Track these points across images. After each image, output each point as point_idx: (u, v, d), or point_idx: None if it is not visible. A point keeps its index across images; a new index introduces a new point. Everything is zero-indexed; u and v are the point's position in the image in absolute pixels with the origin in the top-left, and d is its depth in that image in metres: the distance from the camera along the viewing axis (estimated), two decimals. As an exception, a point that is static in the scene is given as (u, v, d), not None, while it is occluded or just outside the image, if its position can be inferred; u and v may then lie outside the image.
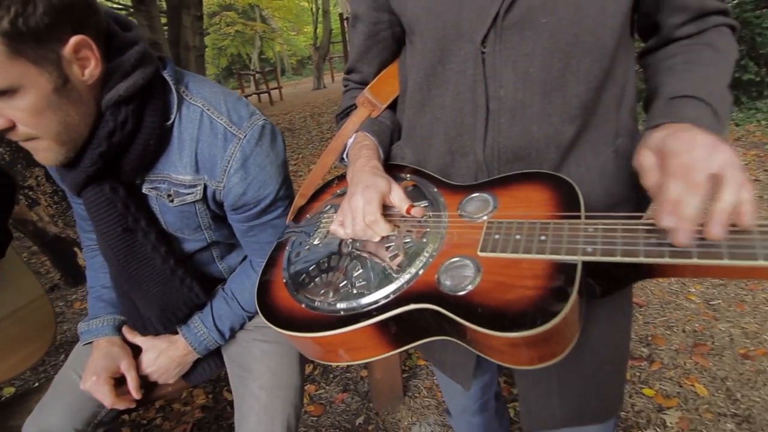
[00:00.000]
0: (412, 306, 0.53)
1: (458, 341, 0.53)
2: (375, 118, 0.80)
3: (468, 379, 0.79)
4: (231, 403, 1.76)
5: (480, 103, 0.61)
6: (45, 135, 0.66)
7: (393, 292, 0.56)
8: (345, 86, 0.88)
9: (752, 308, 1.95)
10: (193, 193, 0.81)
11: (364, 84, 0.83)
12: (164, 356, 0.94)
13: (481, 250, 0.54)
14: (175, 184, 0.81)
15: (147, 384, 0.95)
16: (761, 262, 0.39)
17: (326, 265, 0.66)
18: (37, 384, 2.05)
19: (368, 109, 0.80)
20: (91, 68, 0.66)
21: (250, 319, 1.00)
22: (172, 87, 0.77)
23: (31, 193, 2.60)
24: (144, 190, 0.82)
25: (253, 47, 26.74)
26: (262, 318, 0.65)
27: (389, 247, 0.62)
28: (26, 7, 0.56)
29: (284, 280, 0.68)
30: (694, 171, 0.42)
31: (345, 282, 0.61)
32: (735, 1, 4.34)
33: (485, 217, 0.59)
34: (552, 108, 0.60)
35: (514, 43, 0.57)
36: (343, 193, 0.72)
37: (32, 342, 1.39)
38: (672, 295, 2.11)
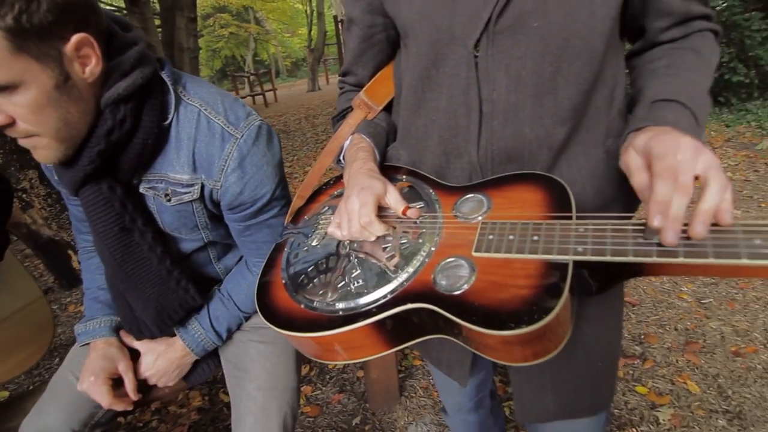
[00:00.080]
0: (409, 305, 0.54)
1: (454, 339, 0.54)
2: (371, 120, 0.81)
3: (464, 377, 0.80)
4: (227, 405, 1.75)
5: (473, 105, 0.63)
6: (45, 132, 0.67)
7: (390, 292, 0.57)
8: (341, 88, 0.89)
9: (743, 306, 1.98)
10: (190, 192, 0.82)
11: (359, 86, 0.84)
12: (162, 359, 0.94)
13: (476, 251, 0.55)
14: (172, 184, 0.81)
15: (144, 385, 0.95)
16: (744, 261, 0.40)
17: (324, 265, 0.67)
18: (31, 387, 2.03)
19: (364, 111, 0.81)
20: (91, 66, 0.67)
21: (247, 319, 1.00)
22: (170, 87, 0.78)
23: (24, 195, 2.59)
24: (141, 190, 0.82)
25: (247, 49, 26.69)
26: (261, 318, 0.65)
27: (386, 247, 0.63)
28: (30, 4, 0.57)
29: (283, 281, 0.69)
30: (680, 173, 0.44)
31: (343, 282, 0.62)
32: (724, 4, 4.40)
33: (480, 218, 0.60)
34: (544, 110, 0.61)
35: (507, 47, 0.59)
36: (340, 195, 0.73)
37: (30, 344, 1.38)
38: (664, 294, 2.14)
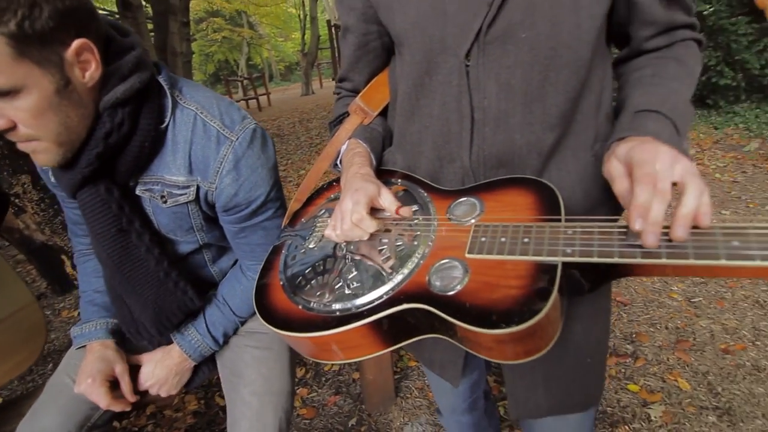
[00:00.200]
0: (405, 306, 0.55)
1: (448, 339, 0.56)
2: (367, 125, 0.82)
3: (457, 377, 0.81)
4: (223, 409, 1.75)
5: (465, 112, 0.65)
6: (45, 136, 0.68)
7: (386, 293, 0.59)
8: (337, 94, 0.90)
9: (731, 305, 2.01)
10: (186, 194, 0.83)
11: (355, 92, 0.85)
12: (160, 366, 0.95)
13: (469, 252, 0.57)
14: (168, 186, 0.82)
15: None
16: (723, 262, 0.42)
17: (321, 267, 0.68)
18: (24, 393, 2.02)
19: (360, 116, 0.82)
20: (91, 71, 0.68)
21: (243, 323, 1.01)
22: (167, 91, 0.79)
23: (17, 200, 2.57)
24: (138, 192, 0.83)
25: (240, 53, 26.68)
26: (256, 323, 0.66)
27: (382, 249, 0.64)
28: (33, 11, 0.58)
29: (281, 283, 0.70)
30: (659, 179, 0.47)
31: (340, 284, 0.63)
32: (711, 9, 4.48)
33: (473, 221, 0.61)
34: (533, 117, 0.63)
35: (496, 56, 0.61)
36: (337, 198, 0.75)
37: (23, 349, 1.38)
38: (655, 293, 2.17)
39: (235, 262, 1.04)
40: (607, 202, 0.68)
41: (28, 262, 2.87)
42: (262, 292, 0.71)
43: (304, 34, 17.81)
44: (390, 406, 1.69)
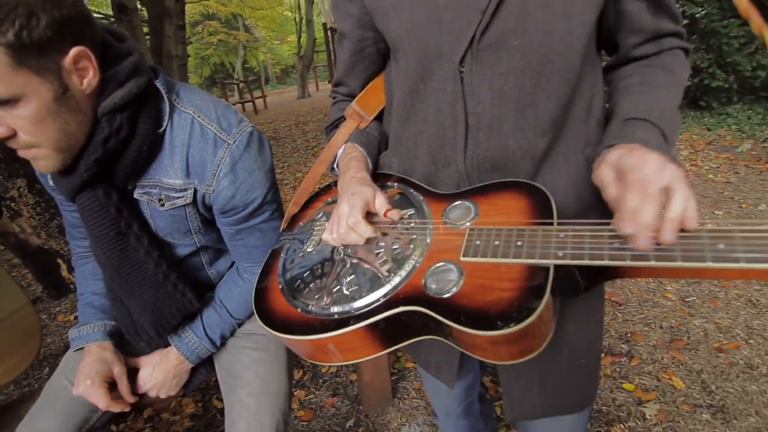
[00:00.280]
0: (401, 308, 0.57)
1: (445, 340, 0.57)
2: (363, 129, 0.83)
3: (452, 378, 0.82)
4: (220, 411, 1.75)
5: (459, 118, 0.66)
6: (45, 143, 0.69)
7: (383, 296, 0.60)
8: (333, 98, 0.91)
9: (725, 304, 2.04)
10: (183, 196, 0.84)
11: (351, 96, 0.86)
12: (158, 369, 0.95)
13: (464, 255, 0.58)
14: (166, 189, 0.83)
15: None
16: (709, 264, 0.44)
17: (320, 271, 0.69)
18: (20, 397, 2.01)
19: (356, 120, 0.83)
20: (89, 78, 0.69)
21: (240, 325, 1.02)
22: (164, 95, 0.80)
23: (13, 204, 2.57)
24: (136, 195, 0.84)
25: (236, 56, 26.65)
26: (254, 325, 0.67)
27: (379, 253, 0.65)
28: (30, 20, 0.59)
29: (280, 286, 0.71)
30: (648, 185, 0.48)
31: (338, 287, 0.64)
32: (703, 12, 4.54)
33: (468, 224, 0.63)
34: (525, 123, 0.64)
35: (490, 63, 0.62)
36: (334, 201, 0.75)
37: (18, 352, 1.38)
38: (649, 293, 2.19)
39: (233, 264, 1.04)
40: (598, 205, 0.69)
41: (24, 266, 2.86)
42: (261, 295, 0.72)
43: (300, 37, 17.84)
44: (387, 407, 1.69)
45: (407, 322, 0.58)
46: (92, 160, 0.73)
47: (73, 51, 0.65)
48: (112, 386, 0.90)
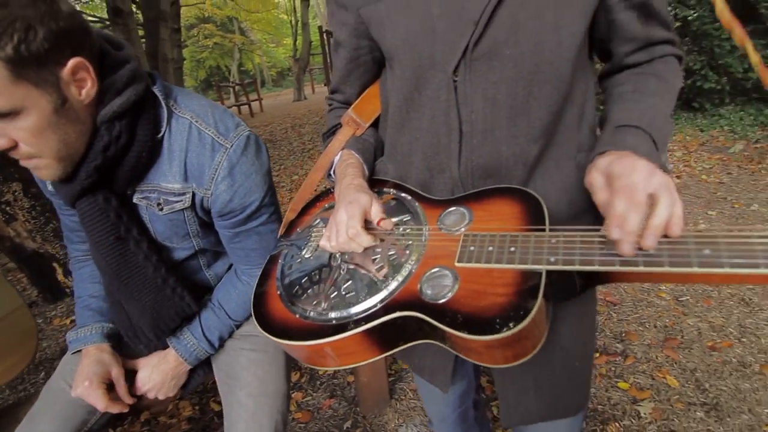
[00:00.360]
0: (398, 314, 0.57)
1: (441, 344, 0.58)
2: (359, 136, 0.84)
3: (446, 383, 0.83)
4: (218, 414, 1.75)
5: (453, 126, 0.67)
6: (46, 153, 0.70)
7: (380, 301, 0.60)
8: (329, 105, 0.92)
9: (718, 303, 2.06)
10: (181, 200, 0.85)
11: (347, 104, 0.87)
12: (157, 371, 0.96)
13: (458, 261, 0.59)
14: (164, 193, 0.84)
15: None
16: (695, 269, 0.45)
17: (317, 277, 0.70)
18: (15, 402, 2.00)
19: (352, 127, 0.84)
20: (87, 88, 0.70)
21: (238, 327, 1.02)
22: (162, 101, 0.81)
23: (8, 208, 2.56)
24: (135, 200, 0.85)
25: (232, 59, 26.63)
26: (252, 326, 0.68)
27: (375, 259, 0.66)
28: (28, 34, 0.60)
29: (278, 292, 0.72)
30: (635, 191, 0.49)
31: (335, 293, 0.65)
32: (695, 14, 4.59)
33: (463, 229, 0.64)
34: (518, 130, 0.66)
35: (483, 72, 0.63)
36: (332, 208, 0.76)
37: (15, 353, 1.39)
38: (644, 293, 2.21)
39: (230, 266, 1.05)
40: (590, 210, 0.70)
41: (19, 270, 2.85)
42: (260, 301, 0.73)
43: (295, 40, 17.87)
44: (385, 408, 1.70)
45: (403, 326, 0.59)
46: (92, 167, 0.74)
47: (71, 62, 0.66)
48: (110, 388, 0.91)
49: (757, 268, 0.43)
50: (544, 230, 0.57)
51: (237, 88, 14.57)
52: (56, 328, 2.61)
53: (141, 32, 5.27)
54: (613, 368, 1.75)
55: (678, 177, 3.62)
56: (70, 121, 0.70)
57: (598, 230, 0.54)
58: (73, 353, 0.95)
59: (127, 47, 0.79)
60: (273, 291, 0.73)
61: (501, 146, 0.66)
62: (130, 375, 0.96)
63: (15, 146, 0.67)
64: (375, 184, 0.80)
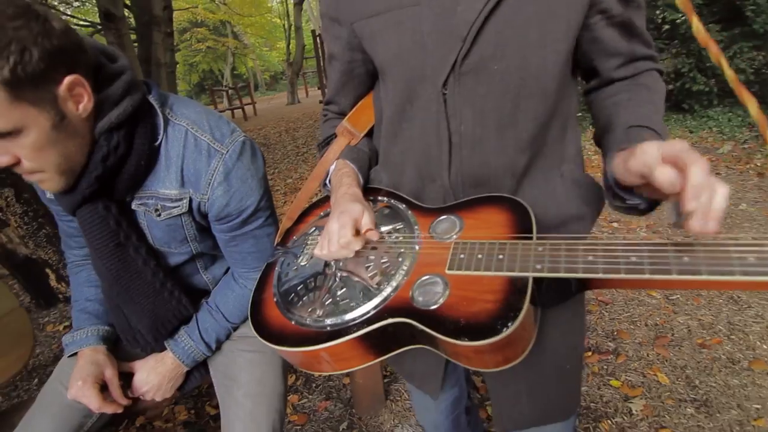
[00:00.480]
0: (390, 320, 0.59)
1: (433, 350, 0.60)
2: (354, 146, 0.86)
3: (436, 390, 0.84)
4: (213, 418, 1.76)
5: (443, 137, 0.69)
6: (47, 168, 0.72)
7: (373, 308, 0.62)
8: (324, 116, 0.94)
9: (707, 301, 2.09)
10: (179, 206, 0.86)
11: (342, 114, 0.89)
12: (154, 373, 0.97)
13: (449, 269, 0.61)
14: (162, 199, 0.85)
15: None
16: (674, 276, 0.47)
17: (313, 284, 0.71)
18: (8, 408, 1.99)
19: (347, 138, 0.86)
20: (84, 103, 0.72)
21: (235, 329, 1.03)
22: (158, 110, 0.83)
23: (0, 214, 2.54)
24: (133, 207, 0.86)
25: (225, 63, 26.60)
26: (250, 331, 0.69)
27: (369, 267, 0.68)
28: (23, 55, 0.61)
29: (275, 299, 0.73)
30: (705, 165, 0.45)
31: (330, 300, 0.67)
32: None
33: (454, 237, 0.65)
34: (506, 141, 0.68)
35: (471, 86, 0.65)
36: (327, 215, 0.78)
37: (10, 353, 1.39)
38: (635, 292, 2.24)
39: (228, 269, 1.06)
40: (577, 218, 0.73)
41: (11, 277, 2.83)
42: (257, 308, 0.74)
43: (289, 44, 17.86)
44: (380, 409, 1.71)
45: (396, 332, 0.60)
46: (93, 177, 0.76)
47: (67, 80, 0.68)
48: (104, 389, 0.92)
49: (732, 275, 0.44)
50: (531, 238, 0.59)
51: (230, 91, 14.54)
52: (49, 334, 2.59)
53: (133, 36, 5.26)
54: (605, 366, 1.78)
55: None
56: (70, 135, 0.71)
57: (583, 238, 0.55)
58: (69, 356, 0.96)
59: (121, 58, 0.81)
60: (270, 298, 0.74)
61: (490, 157, 0.68)
62: (128, 377, 0.97)
63: (18, 162, 0.69)
64: (370, 192, 0.82)
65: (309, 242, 0.80)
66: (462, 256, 0.61)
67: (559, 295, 0.70)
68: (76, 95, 0.70)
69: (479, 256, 0.59)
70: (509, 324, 0.50)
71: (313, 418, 1.72)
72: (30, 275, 2.74)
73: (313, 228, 0.83)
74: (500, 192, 0.69)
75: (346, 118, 0.86)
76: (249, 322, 0.72)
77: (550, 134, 0.70)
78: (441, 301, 0.57)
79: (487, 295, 0.55)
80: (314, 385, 1.90)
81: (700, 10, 4.66)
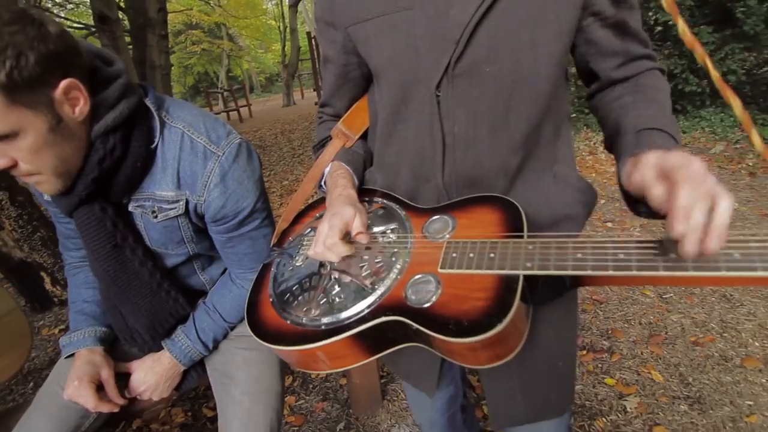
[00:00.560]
0: (384, 318, 0.60)
1: (427, 347, 0.61)
2: (349, 148, 0.87)
3: (432, 388, 0.85)
4: (210, 420, 1.76)
5: (437, 138, 0.70)
6: (44, 170, 0.72)
7: (367, 307, 0.63)
8: (319, 118, 0.95)
9: (700, 299, 2.12)
10: (175, 208, 0.87)
11: (337, 117, 0.90)
12: (151, 373, 0.97)
13: (441, 267, 0.61)
14: (158, 201, 0.86)
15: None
16: (661, 273, 0.48)
17: (308, 284, 0.72)
18: (3, 412, 1.98)
19: (342, 140, 0.87)
20: (80, 106, 0.72)
21: (232, 329, 1.04)
22: (155, 113, 0.83)
23: (-6, 217, 2.54)
24: (130, 208, 0.87)
25: (220, 65, 26.55)
26: (247, 329, 0.70)
27: (363, 266, 0.69)
28: (19, 60, 0.62)
29: (271, 300, 0.74)
30: (700, 181, 0.45)
31: (325, 299, 0.68)
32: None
33: (447, 236, 0.66)
34: (499, 142, 0.69)
35: (464, 88, 0.66)
36: (322, 216, 0.79)
37: (11, 353, 1.40)
38: (629, 291, 2.26)
39: (225, 270, 1.07)
40: (570, 217, 0.74)
41: (6, 280, 2.81)
42: (253, 308, 0.75)
43: (284, 46, 17.86)
44: (377, 409, 1.72)
45: (390, 331, 0.61)
46: (89, 179, 0.77)
47: (63, 83, 0.68)
48: (101, 388, 0.92)
49: (718, 270, 0.46)
50: (522, 237, 0.60)
51: (225, 94, 14.52)
52: (44, 338, 2.58)
53: (128, 39, 5.25)
54: (600, 365, 1.79)
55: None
56: (66, 138, 0.72)
57: (573, 236, 0.56)
58: (66, 357, 0.96)
59: (117, 62, 0.81)
60: (266, 299, 0.75)
61: (483, 157, 0.69)
62: (125, 378, 0.97)
63: (15, 165, 0.70)
64: (365, 193, 0.83)
65: (305, 243, 0.81)
66: (454, 255, 0.62)
67: (554, 291, 0.71)
68: (72, 98, 0.71)
69: (471, 254, 0.60)
70: (500, 321, 0.51)
71: (310, 419, 1.73)
72: (25, 279, 2.73)
73: (309, 229, 0.84)
74: (493, 192, 0.70)
75: (341, 120, 0.87)
76: (246, 320, 0.73)
77: (542, 135, 0.71)
78: (433, 299, 0.58)
79: (479, 292, 0.56)
80: (311, 386, 1.90)
81: (692, 11, 4.71)
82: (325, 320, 0.64)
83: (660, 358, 1.78)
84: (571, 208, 0.73)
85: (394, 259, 0.67)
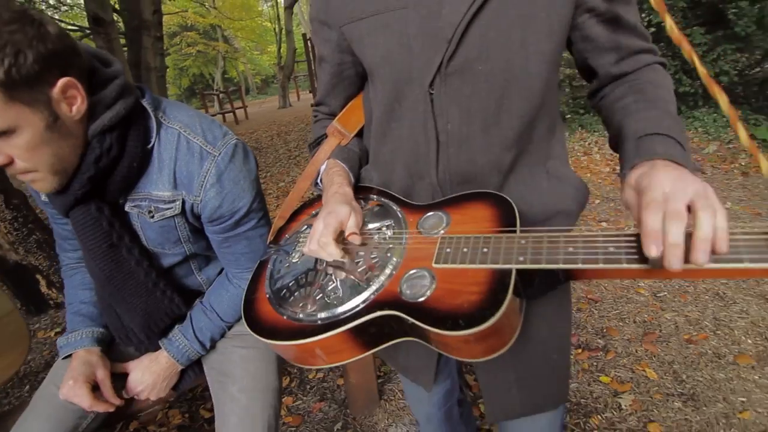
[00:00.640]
0: (379, 313, 0.61)
1: (422, 342, 0.61)
2: (344, 146, 0.88)
3: (429, 382, 0.86)
4: (208, 421, 1.76)
5: (431, 135, 0.71)
6: (41, 167, 0.73)
7: (363, 302, 0.64)
8: (315, 117, 0.96)
9: (694, 298, 2.14)
10: (172, 208, 0.87)
11: (332, 115, 0.91)
12: (148, 372, 0.98)
13: (435, 262, 0.63)
14: (155, 201, 0.86)
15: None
16: (650, 266, 0.49)
17: (304, 280, 0.73)
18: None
19: (338, 138, 0.88)
20: (77, 105, 0.73)
21: (230, 328, 1.05)
22: (151, 113, 0.84)
23: (-11, 220, 2.52)
24: (126, 208, 0.88)
25: (215, 67, 26.50)
26: (244, 328, 0.71)
27: (359, 262, 0.70)
28: (18, 58, 0.63)
29: (267, 296, 0.75)
30: (669, 202, 0.46)
31: (321, 295, 0.69)
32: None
33: (441, 232, 0.68)
34: (492, 139, 0.70)
35: (457, 86, 0.68)
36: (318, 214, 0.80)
37: (9, 353, 1.40)
38: (623, 289, 2.28)
39: (222, 270, 1.07)
40: (562, 213, 0.75)
41: (1, 283, 2.80)
42: (250, 305, 0.76)
43: (280, 48, 17.85)
44: (374, 409, 1.73)
45: (386, 325, 0.62)
46: (85, 178, 0.78)
47: (61, 82, 0.69)
48: (97, 388, 0.92)
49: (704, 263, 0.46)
50: (514, 232, 0.61)
51: (221, 95, 14.49)
52: (40, 340, 2.57)
53: (123, 41, 5.24)
54: (594, 363, 1.80)
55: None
56: (63, 136, 0.73)
57: (565, 231, 0.57)
58: (63, 358, 0.96)
59: (115, 63, 0.82)
60: (263, 295, 0.76)
61: (476, 154, 0.70)
62: (123, 378, 0.98)
63: (11, 162, 0.71)
64: (361, 190, 0.84)
65: (301, 240, 0.82)
66: (448, 250, 0.63)
67: (547, 284, 0.71)
68: (70, 97, 0.72)
69: (465, 249, 0.61)
70: (493, 314, 0.52)
71: (307, 419, 1.73)
72: (20, 281, 2.72)
73: (305, 226, 0.85)
74: (487, 188, 0.71)
75: (337, 118, 0.88)
76: (243, 319, 0.74)
77: (536, 132, 0.73)
78: (428, 293, 0.59)
79: (472, 287, 0.57)
80: (308, 386, 1.91)
81: (684, 13, 4.75)
82: (321, 315, 0.65)
83: (654, 356, 1.80)
84: (563, 203, 0.75)
85: (389, 254, 0.68)
